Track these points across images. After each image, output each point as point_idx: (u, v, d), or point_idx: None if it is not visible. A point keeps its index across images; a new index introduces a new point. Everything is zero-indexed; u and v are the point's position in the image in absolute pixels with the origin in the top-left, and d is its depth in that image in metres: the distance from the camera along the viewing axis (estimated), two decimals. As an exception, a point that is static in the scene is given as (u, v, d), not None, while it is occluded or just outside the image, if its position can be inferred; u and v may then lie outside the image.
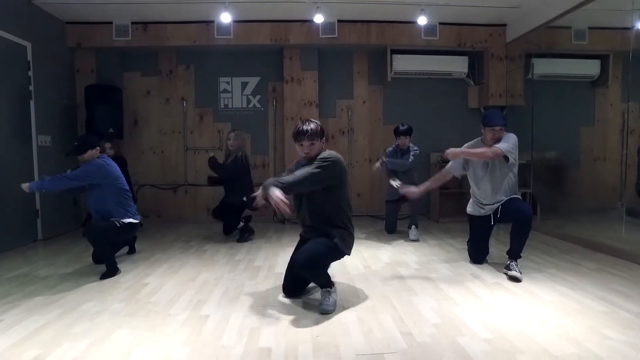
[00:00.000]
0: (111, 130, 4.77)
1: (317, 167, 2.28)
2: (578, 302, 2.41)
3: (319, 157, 2.34)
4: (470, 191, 3.28)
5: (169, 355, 1.83)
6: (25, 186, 2.96)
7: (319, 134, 2.39)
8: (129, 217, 3.15)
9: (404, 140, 4.31)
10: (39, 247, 4.12)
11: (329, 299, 2.33)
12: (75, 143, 3.11)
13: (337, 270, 3.14)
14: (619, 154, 4.94)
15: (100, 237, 3.04)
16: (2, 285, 2.84)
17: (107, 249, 3.09)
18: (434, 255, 3.58)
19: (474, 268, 3.17)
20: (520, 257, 2.95)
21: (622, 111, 4.88)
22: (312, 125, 2.37)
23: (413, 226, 4.28)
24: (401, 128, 4.31)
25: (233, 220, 4.28)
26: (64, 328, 2.12)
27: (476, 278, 2.90)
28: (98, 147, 3.15)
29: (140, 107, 5.47)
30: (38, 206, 4.33)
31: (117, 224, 3.07)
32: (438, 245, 4.00)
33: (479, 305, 2.38)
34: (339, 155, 2.39)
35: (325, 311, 2.27)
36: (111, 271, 3.03)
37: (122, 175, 3.20)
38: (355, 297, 2.55)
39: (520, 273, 2.86)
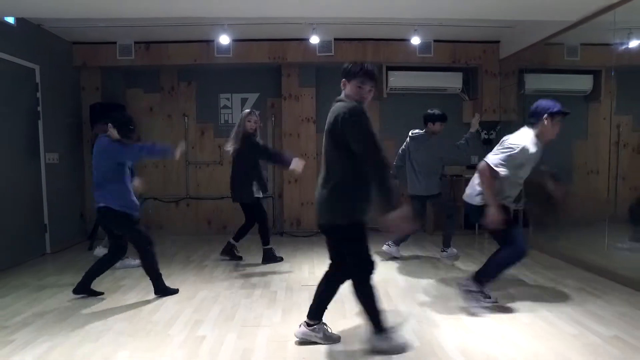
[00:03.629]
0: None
1: None
2: (551, 324, 2.54)
3: None
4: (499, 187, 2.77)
5: (166, 378, 2.00)
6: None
7: None
8: None
9: (440, 128, 4.11)
10: (48, 261, 4.31)
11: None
12: (132, 127, 3.15)
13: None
14: (611, 167, 5.05)
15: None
16: (14, 302, 3.03)
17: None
18: (423, 274, 3.71)
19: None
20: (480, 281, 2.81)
21: (615, 124, 4.99)
22: None
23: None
24: (437, 113, 4.10)
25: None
26: (71, 349, 2.29)
27: (460, 298, 3.03)
28: None
29: (144, 123, 5.65)
30: (46, 220, 4.53)
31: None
32: (429, 261, 4.13)
33: (458, 327, 2.52)
34: None
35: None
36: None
37: None
38: (342, 318, 2.70)
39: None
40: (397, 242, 4.22)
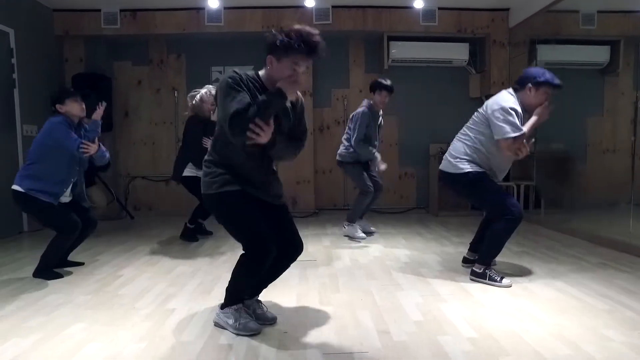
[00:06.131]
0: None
1: None
2: (577, 299, 2.20)
3: None
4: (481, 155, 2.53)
5: (120, 351, 1.69)
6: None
7: None
8: None
9: (385, 99, 3.65)
10: (24, 239, 4.03)
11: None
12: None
13: (320, 262, 2.98)
14: (629, 145, 4.68)
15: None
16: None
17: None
18: (427, 250, 3.39)
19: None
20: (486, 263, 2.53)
21: (633, 100, 4.62)
22: None
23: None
24: (389, 83, 3.61)
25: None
26: (17, 322, 1.99)
27: (469, 273, 2.70)
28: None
29: (131, 97, 5.34)
30: (23, 197, 4.22)
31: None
32: (434, 239, 3.80)
33: (468, 302, 2.19)
34: None
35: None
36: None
37: None
38: (335, 292, 2.38)
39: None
40: (354, 217, 3.78)
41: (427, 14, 4.87)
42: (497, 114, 2.40)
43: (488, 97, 2.69)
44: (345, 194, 5.44)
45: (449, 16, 4.97)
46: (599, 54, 4.96)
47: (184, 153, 3.66)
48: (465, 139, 2.58)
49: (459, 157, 2.53)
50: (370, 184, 3.73)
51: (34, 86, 4.43)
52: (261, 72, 1.79)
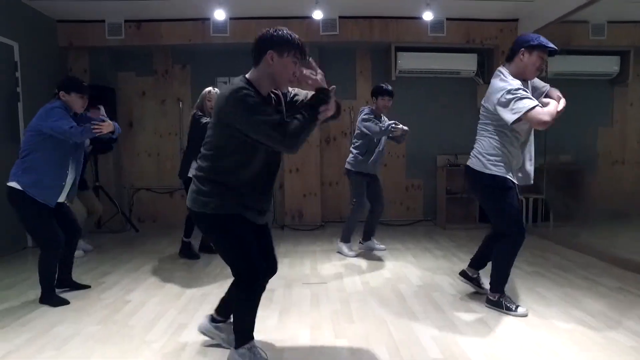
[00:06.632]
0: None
1: None
2: (599, 332, 2.15)
3: None
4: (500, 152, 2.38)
5: (134, 396, 1.64)
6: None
7: None
8: None
9: (388, 104, 3.65)
10: (28, 255, 3.97)
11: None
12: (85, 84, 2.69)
13: (331, 285, 2.94)
14: (639, 156, 4.63)
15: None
16: (-24, 301, 2.69)
17: None
18: (438, 269, 3.34)
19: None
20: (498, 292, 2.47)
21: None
22: None
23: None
24: (390, 87, 3.64)
25: None
26: (30, 357, 1.94)
27: (483, 299, 2.65)
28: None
29: (135, 108, 5.29)
30: (28, 212, 4.18)
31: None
32: (443, 257, 3.75)
33: (486, 335, 2.14)
34: None
35: None
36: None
37: None
38: (349, 322, 2.33)
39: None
40: (348, 236, 3.79)
41: (436, 24, 4.81)
42: (503, 99, 2.21)
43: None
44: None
45: (457, 27, 4.91)
46: (609, 64, 4.91)
47: (189, 152, 3.56)
48: (489, 135, 2.41)
49: (488, 155, 2.39)
50: (366, 201, 3.74)
51: (38, 99, 4.35)
52: (248, 75, 1.72)
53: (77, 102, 2.64)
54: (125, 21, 4.80)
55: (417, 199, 5.41)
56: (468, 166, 2.53)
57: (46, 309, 2.54)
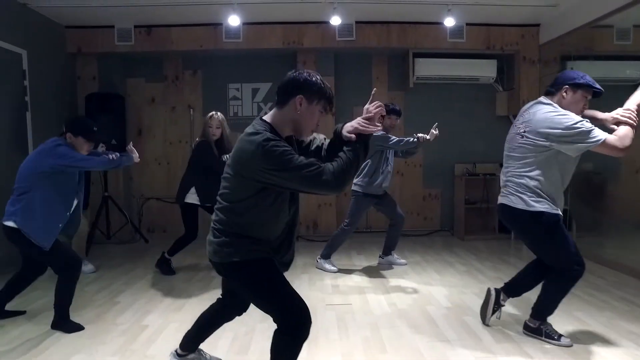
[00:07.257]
0: (113, 141, 4.43)
1: None
2: (652, 366, 2.01)
3: None
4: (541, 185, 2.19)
5: None
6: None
7: None
8: None
9: (394, 123, 3.59)
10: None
11: None
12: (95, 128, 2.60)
13: (357, 308, 2.80)
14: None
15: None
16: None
17: None
18: (465, 288, 3.20)
19: (512, 307, 2.77)
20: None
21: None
22: None
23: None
24: (397, 107, 3.59)
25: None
26: (43, 398, 1.81)
27: (518, 323, 2.51)
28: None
29: (145, 116, 5.17)
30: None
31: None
32: (467, 272, 3.61)
33: (531, 369, 2.00)
34: None
35: None
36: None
37: None
38: (382, 352, 2.19)
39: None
40: (329, 253, 3.69)
41: (455, 30, 4.66)
42: (567, 135, 2.03)
43: (515, 116, 2.35)
44: (366, 215, 5.24)
45: (477, 32, 4.77)
46: (635, 70, 4.75)
47: (187, 176, 3.48)
48: (531, 169, 2.18)
49: (532, 191, 2.17)
50: (356, 225, 3.68)
51: (47, 108, 4.26)
52: (269, 119, 1.59)
53: (82, 147, 2.52)
54: (135, 27, 4.67)
55: (435, 209, 5.27)
56: (505, 205, 2.27)
57: (60, 335, 2.41)
